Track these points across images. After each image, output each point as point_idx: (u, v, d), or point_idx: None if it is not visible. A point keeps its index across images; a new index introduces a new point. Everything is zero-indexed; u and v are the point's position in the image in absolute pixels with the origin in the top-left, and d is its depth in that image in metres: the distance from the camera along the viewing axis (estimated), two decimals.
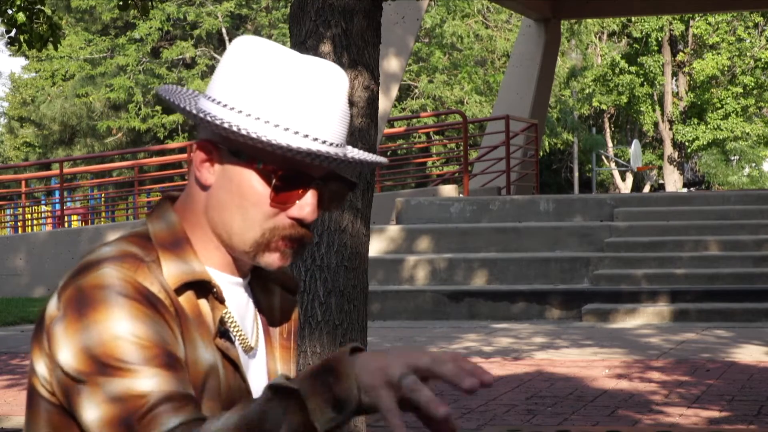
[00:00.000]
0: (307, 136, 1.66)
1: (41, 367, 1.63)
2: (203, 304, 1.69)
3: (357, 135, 4.97)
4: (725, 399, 7.93)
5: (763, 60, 40.02)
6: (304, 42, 4.93)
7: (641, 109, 40.97)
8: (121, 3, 9.74)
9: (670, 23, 40.06)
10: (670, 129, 41.23)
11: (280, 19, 35.50)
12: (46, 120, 38.46)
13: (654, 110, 41.32)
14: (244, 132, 1.63)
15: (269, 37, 34.79)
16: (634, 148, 39.39)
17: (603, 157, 43.64)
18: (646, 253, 14.30)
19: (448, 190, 17.96)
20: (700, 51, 41.32)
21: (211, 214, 1.70)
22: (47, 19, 9.86)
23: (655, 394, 8.22)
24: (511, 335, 11.91)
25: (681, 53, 41.27)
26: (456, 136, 30.31)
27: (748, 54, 40.35)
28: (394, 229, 15.30)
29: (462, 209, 15.92)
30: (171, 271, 1.66)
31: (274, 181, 1.67)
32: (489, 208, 15.89)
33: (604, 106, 40.56)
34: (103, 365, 1.56)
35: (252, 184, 1.67)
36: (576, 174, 40.63)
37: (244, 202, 1.68)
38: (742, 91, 40.56)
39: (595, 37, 40.09)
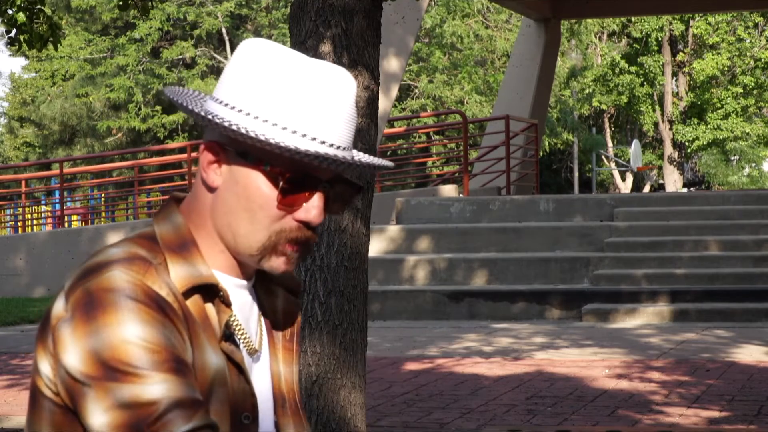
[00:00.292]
0: (314, 139, 1.65)
1: (45, 367, 1.63)
2: (209, 307, 1.68)
3: (357, 135, 4.98)
4: (725, 399, 7.93)
5: (763, 60, 40.02)
6: (304, 42, 4.93)
7: (641, 109, 40.97)
8: (121, 3, 9.74)
9: (670, 23, 40.06)
10: (670, 129, 41.23)
11: (280, 19, 35.50)
12: (46, 120, 38.45)
13: (654, 110, 41.32)
14: (252, 134, 1.63)
15: (269, 37, 34.79)
16: (634, 148, 39.40)
17: (603, 157, 43.64)
18: (646, 253, 14.30)
19: (448, 190, 17.96)
20: (700, 51, 41.32)
21: (217, 217, 1.70)
22: (47, 19, 9.86)
23: (655, 394, 8.22)
24: (511, 335, 11.91)
25: (681, 53, 41.27)
26: (456, 136, 30.31)
27: (748, 54, 40.34)
28: (394, 229, 15.30)
29: (462, 209, 15.92)
30: (178, 274, 1.65)
31: (281, 183, 1.66)
32: (489, 208, 15.89)
33: (604, 106, 40.56)
34: (111, 369, 1.55)
35: (259, 186, 1.67)
36: (576, 174, 40.63)
37: (250, 204, 1.67)
38: (742, 91, 40.56)
39: (595, 37, 40.08)
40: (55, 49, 10.27)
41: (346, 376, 4.92)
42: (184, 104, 1.70)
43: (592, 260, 14.14)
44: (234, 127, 1.63)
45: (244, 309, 1.75)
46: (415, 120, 32.79)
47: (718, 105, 40.91)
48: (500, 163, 19.00)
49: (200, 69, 35.58)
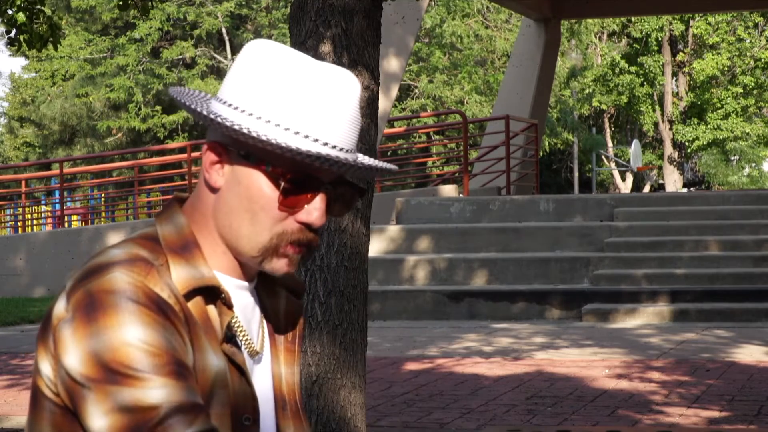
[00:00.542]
0: (317, 140, 1.65)
1: (46, 367, 1.62)
2: (211, 309, 1.68)
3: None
4: (725, 399, 7.93)
5: (763, 60, 40.02)
6: (304, 42, 4.93)
7: (641, 109, 40.98)
8: (121, 3, 9.74)
9: (670, 23, 40.06)
10: (670, 129, 41.23)
11: (280, 19, 35.50)
12: (46, 120, 38.46)
13: (654, 110, 41.32)
14: (254, 134, 1.62)
15: (269, 37, 34.78)
16: (634, 148, 39.40)
17: (603, 157, 43.64)
18: (646, 253, 14.30)
19: (448, 190, 17.96)
20: (700, 51, 41.32)
21: (219, 217, 1.70)
22: (47, 19, 9.86)
23: (655, 394, 8.22)
24: (511, 335, 11.91)
25: (681, 53, 41.28)
26: (456, 136, 30.31)
27: (748, 54, 40.35)
28: (394, 229, 15.30)
29: (462, 209, 15.92)
30: (180, 275, 1.65)
31: (282, 184, 1.66)
32: (489, 208, 15.89)
33: (604, 106, 40.57)
34: (111, 372, 1.54)
35: (260, 186, 1.67)
36: (576, 174, 40.63)
37: (252, 205, 1.67)
38: (742, 91, 40.56)
39: (595, 37, 40.08)
40: (55, 49, 10.27)
41: (346, 376, 4.92)
42: (188, 104, 1.70)
43: (592, 260, 14.14)
44: (236, 127, 1.63)
45: (246, 310, 1.75)
46: (415, 120, 32.79)
47: (718, 105, 40.91)
48: (500, 163, 19.00)
49: (200, 69, 35.57)
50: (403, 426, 7.29)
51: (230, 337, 1.69)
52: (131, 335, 1.55)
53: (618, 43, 41.88)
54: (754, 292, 13.15)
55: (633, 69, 40.14)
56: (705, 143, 40.60)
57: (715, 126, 40.45)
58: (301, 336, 1.87)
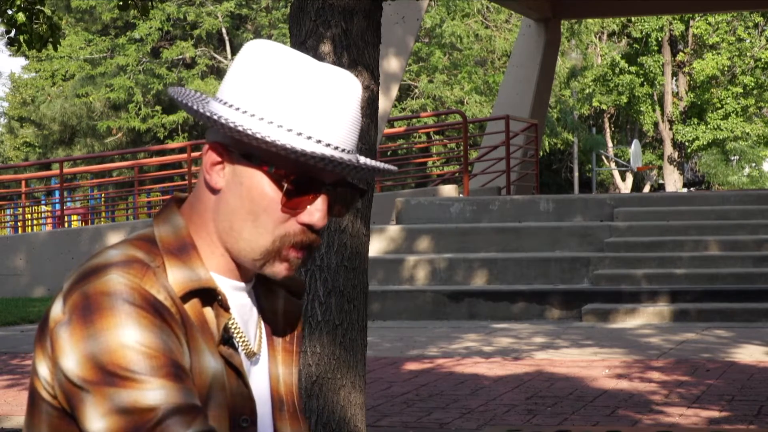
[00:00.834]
0: (320, 141, 1.65)
1: (43, 370, 1.62)
2: (208, 311, 1.67)
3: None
4: (725, 399, 7.93)
5: (763, 60, 40.02)
6: (304, 42, 4.93)
7: (641, 109, 40.98)
8: (121, 3, 9.74)
9: (670, 23, 40.06)
10: (670, 129, 41.23)
11: (280, 19, 35.50)
12: (46, 120, 38.45)
13: (654, 110, 41.32)
14: (258, 135, 1.61)
15: (269, 37, 34.78)
16: (634, 148, 39.40)
17: (603, 157, 43.64)
18: (646, 253, 14.30)
19: (448, 190, 17.96)
20: (700, 51, 41.32)
21: (219, 219, 1.69)
22: (47, 19, 9.86)
23: (655, 394, 8.22)
24: (511, 335, 11.91)
25: (681, 53, 41.28)
26: (456, 136, 30.30)
27: (748, 54, 40.35)
28: (394, 229, 15.30)
29: (462, 209, 15.92)
30: (176, 278, 1.65)
31: (285, 185, 1.65)
32: (489, 208, 15.89)
33: (604, 106, 40.57)
34: (109, 374, 1.54)
35: (263, 188, 1.66)
36: (576, 174, 40.63)
37: (254, 206, 1.66)
38: (742, 91, 40.57)
39: (595, 37, 40.08)
40: (55, 49, 10.27)
41: (346, 376, 4.92)
42: (189, 104, 1.69)
43: (592, 260, 14.14)
44: (240, 129, 1.62)
45: (243, 311, 1.74)
46: (415, 120, 32.79)
47: (718, 105, 40.91)
48: (500, 163, 19.00)
49: (200, 69, 35.57)
50: (403, 426, 7.29)
51: (227, 338, 1.68)
52: (128, 337, 1.55)
53: (618, 43, 41.88)
54: (754, 292, 13.15)
55: (633, 69, 40.14)
56: (705, 143, 40.61)
57: (715, 126, 40.46)
58: (300, 336, 1.86)
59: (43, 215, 27.04)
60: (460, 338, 11.73)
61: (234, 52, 36.25)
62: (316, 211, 1.67)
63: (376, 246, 14.84)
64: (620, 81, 39.89)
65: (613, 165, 43.60)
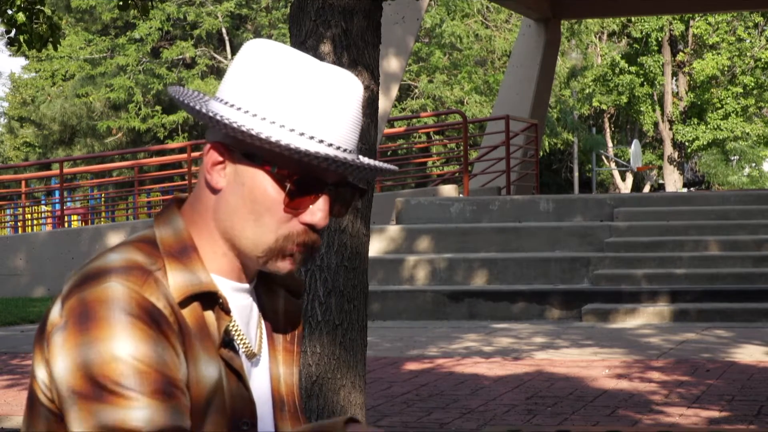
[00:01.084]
0: (322, 141, 1.64)
1: (42, 373, 1.62)
2: (208, 314, 1.66)
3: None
4: (725, 399, 7.93)
5: (763, 60, 40.02)
6: (304, 42, 4.92)
7: (641, 109, 40.98)
8: (121, 3, 9.74)
9: (670, 23, 40.06)
10: (670, 129, 41.23)
11: (280, 19, 35.50)
12: (46, 120, 38.45)
13: (654, 110, 41.32)
14: (261, 135, 1.61)
15: (269, 37, 34.78)
16: (634, 148, 39.40)
17: (603, 157, 43.64)
18: (646, 253, 14.30)
19: (448, 190, 17.96)
20: (700, 51, 41.32)
21: (220, 219, 1.68)
22: (47, 19, 9.86)
23: (655, 394, 8.22)
24: (511, 335, 11.91)
25: (681, 53, 41.27)
26: (456, 136, 30.30)
27: (748, 54, 40.35)
28: (394, 229, 15.29)
29: (462, 209, 15.92)
30: (177, 281, 1.63)
31: (288, 186, 1.65)
32: (489, 208, 15.89)
33: (604, 106, 40.56)
34: (98, 386, 1.53)
35: (265, 188, 1.65)
36: (576, 174, 40.63)
37: (256, 207, 1.66)
38: (742, 91, 40.57)
39: (595, 37, 40.08)
40: (55, 49, 10.27)
41: (346, 376, 4.92)
42: (189, 104, 1.68)
43: (592, 260, 14.14)
44: (243, 128, 1.62)
45: (244, 312, 1.74)
46: (415, 120, 32.79)
47: (718, 105, 40.91)
48: (500, 163, 19.00)
49: (200, 69, 35.57)
50: (403, 426, 7.29)
51: (227, 341, 1.68)
52: (121, 349, 1.54)
53: (618, 43, 41.88)
54: (754, 292, 13.14)
55: (633, 69, 40.14)
56: (705, 143, 40.60)
57: (715, 126, 40.45)
58: (300, 336, 1.86)
59: (43, 215, 27.04)
60: (460, 338, 11.73)
61: (234, 52, 36.23)
62: (318, 211, 1.66)
63: (376, 246, 14.84)
64: (620, 81, 39.89)
65: (613, 165, 43.60)
